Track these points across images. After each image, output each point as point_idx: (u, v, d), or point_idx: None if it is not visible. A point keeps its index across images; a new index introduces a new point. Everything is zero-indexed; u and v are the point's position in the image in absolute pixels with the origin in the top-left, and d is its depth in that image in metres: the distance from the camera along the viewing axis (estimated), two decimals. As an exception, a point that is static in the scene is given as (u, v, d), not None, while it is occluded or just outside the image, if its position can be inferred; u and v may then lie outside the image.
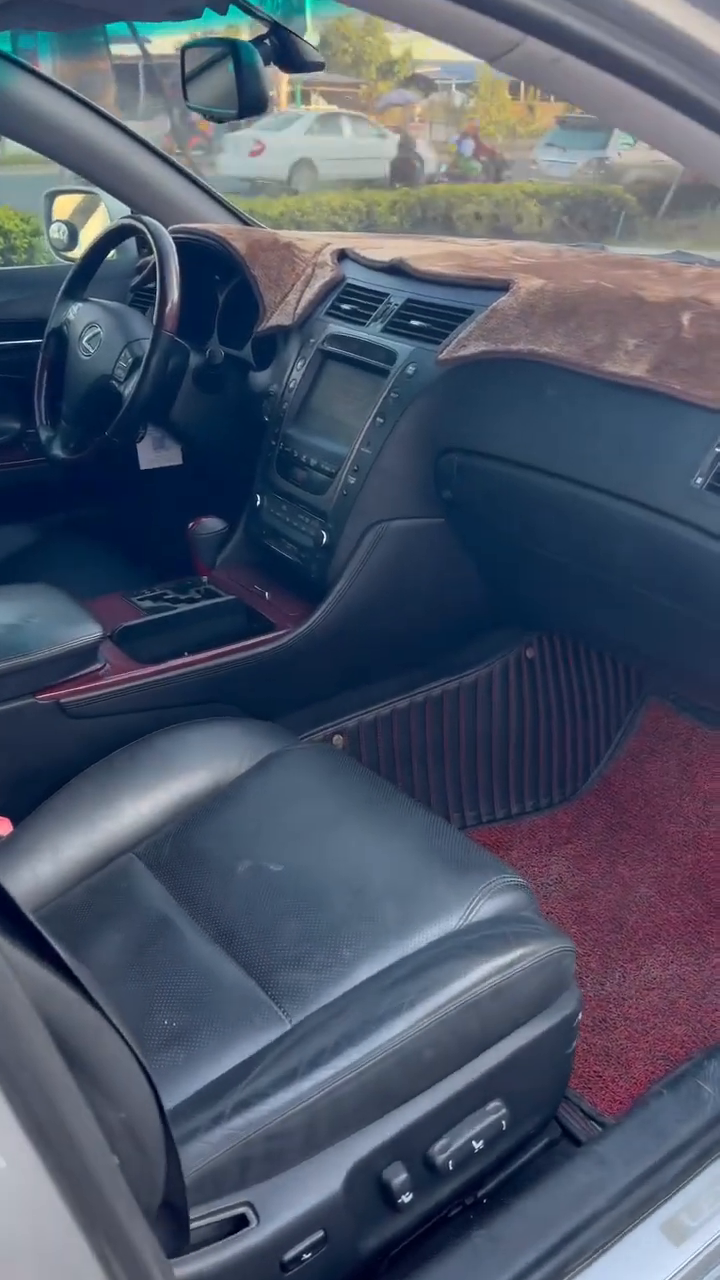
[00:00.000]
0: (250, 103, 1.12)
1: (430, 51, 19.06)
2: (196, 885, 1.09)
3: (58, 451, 1.69)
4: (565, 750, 1.65)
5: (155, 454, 1.84)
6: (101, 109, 1.76)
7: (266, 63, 1.16)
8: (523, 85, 19.30)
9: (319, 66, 1.19)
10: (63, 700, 1.23)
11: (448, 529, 1.41)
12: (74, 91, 1.71)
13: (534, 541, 1.30)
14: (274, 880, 1.08)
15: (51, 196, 2.15)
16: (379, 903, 1.03)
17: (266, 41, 1.17)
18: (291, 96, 18.59)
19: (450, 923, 1.01)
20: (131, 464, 1.80)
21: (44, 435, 1.72)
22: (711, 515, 1.04)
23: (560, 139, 12.98)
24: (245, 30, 1.24)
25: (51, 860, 1.15)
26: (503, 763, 1.60)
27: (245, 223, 1.96)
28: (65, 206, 2.17)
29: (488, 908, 1.02)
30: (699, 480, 1.05)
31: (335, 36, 18.33)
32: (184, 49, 1.28)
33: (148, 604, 1.45)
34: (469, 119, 16.35)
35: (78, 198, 2.13)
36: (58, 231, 2.12)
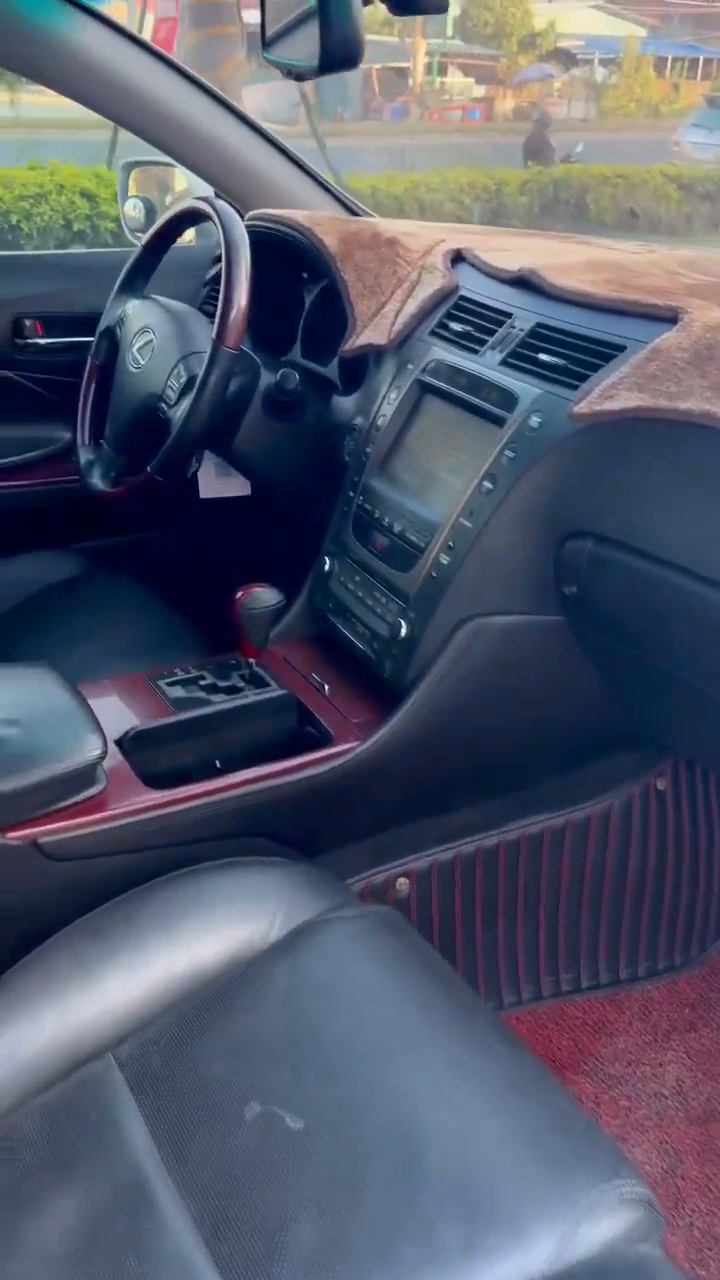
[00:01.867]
0: (336, 51, 0.79)
1: (575, 24, 18.33)
2: (187, 1129, 0.79)
3: (96, 480, 1.40)
4: (695, 903, 1.30)
5: (218, 481, 1.54)
6: (178, 64, 1.45)
7: (368, 1, 0.83)
8: (669, 61, 18.41)
9: (441, 8, 0.86)
10: (42, 840, 0.94)
11: (567, 631, 1.07)
12: (152, 45, 1.41)
13: (691, 671, 0.96)
14: (291, 1143, 0.77)
15: (129, 168, 1.86)
16: (435, 1209, 0.72)
17: (371, -30, 0.83)
18: (428, 69, 18.09)
19: (534, 1261, 0.69)
20: (190, 488, 1.50)
21: (84, 458, 1.44)
22: None
23: (708, 119, 12.27)
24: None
25: (3, 1057, 0.87)
26: (614, 916, 1.26)
27: (350, 210, 1.63)
28: (144, 181, 1.88)
29: (592, 1237, 0.70)
30: None
31: (476, 6, 17.77)
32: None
33: (178, 693, 1.15)
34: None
35: (157, 171, 1.84)
36: (133, 208, 1.83)
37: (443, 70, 18.24)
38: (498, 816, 1.19)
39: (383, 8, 0.84)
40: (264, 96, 8.51)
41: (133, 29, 1.45)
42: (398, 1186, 0.73)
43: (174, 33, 7.77)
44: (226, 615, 1.17)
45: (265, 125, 1.57)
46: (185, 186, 1.74)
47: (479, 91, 17.99)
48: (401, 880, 1.16)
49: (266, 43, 1.00)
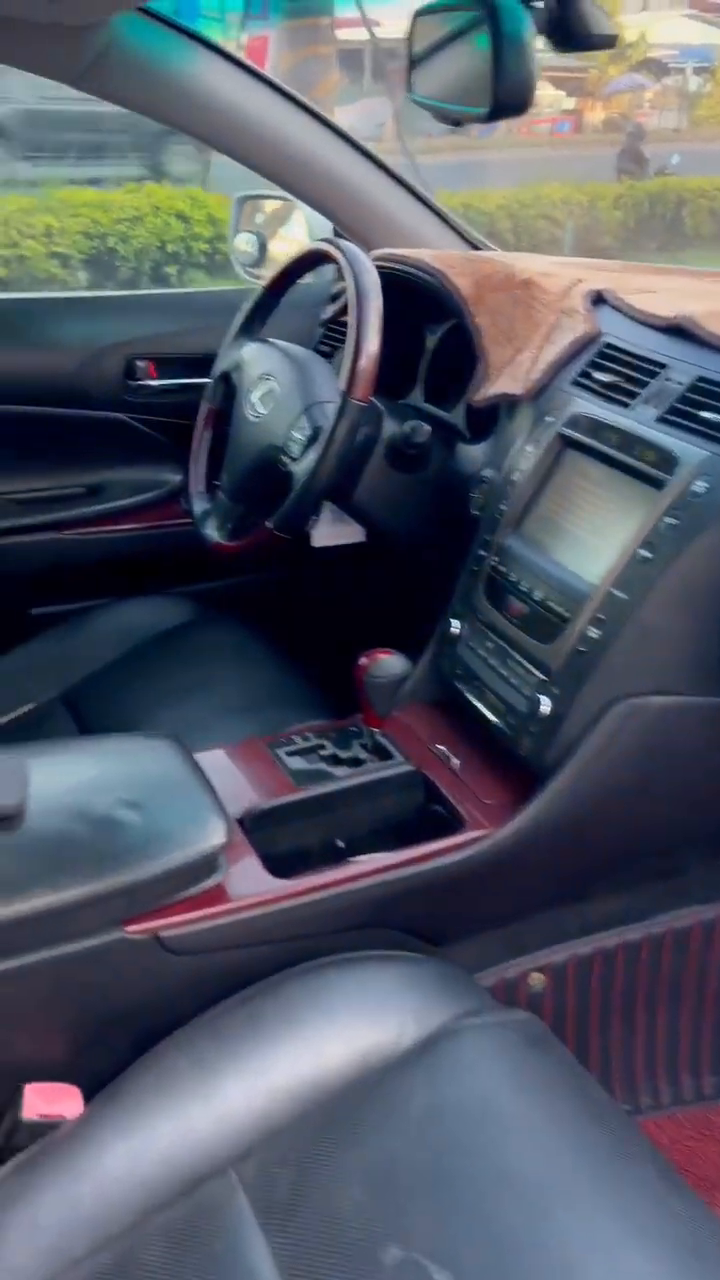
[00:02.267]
0: (510, 97, 0.72)
1: (667, 34, 18.01)
2: (320, 1274, 0.72)
3: (211, 532, 1.35)
4: None
5: (333, 529, 1.47)
6: (298, 96, 1.40)
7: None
8: (769, 70, 17.95)
9: (610, 43, 0.78)
10: (163, 934, 0.88)
11: None
12: (265, 75, 1.36)
13: None
14: (437, 1300, 0.70)
15: (242, 201, 1.82)
16: None
17: (532, 6, 0.76)
18: (516, 82, 17.94)
19: None
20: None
21: (198, 507, 1.39)
22: None
23: None
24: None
25: (121, 1169, 0.81)
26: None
27: (473, 245, 1.56)
28: (257, 215, 1.84)
29: None
30: None
31: (568, 19, 17.58)
32: (417, 15, 0.88)
33: (298, 764, 1.09)
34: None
35: (271, 205, 1.79)
36: (245, 243, 1.79)
37: (532, 84, 18.07)
38: (643, 907, 1.10)
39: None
40: (354, 115, 8.51)
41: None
42: None
43: (264, 54, 7.82)
44: (342, 672, 1.10)
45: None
46: (300, 221, 1.69)
47: (569, 104, 17.79)
48: (536, 975, 1.07)
49: (412, 76, 0.93)
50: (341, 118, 1.65)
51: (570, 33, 0.79)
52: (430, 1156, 0.78)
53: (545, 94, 18.22)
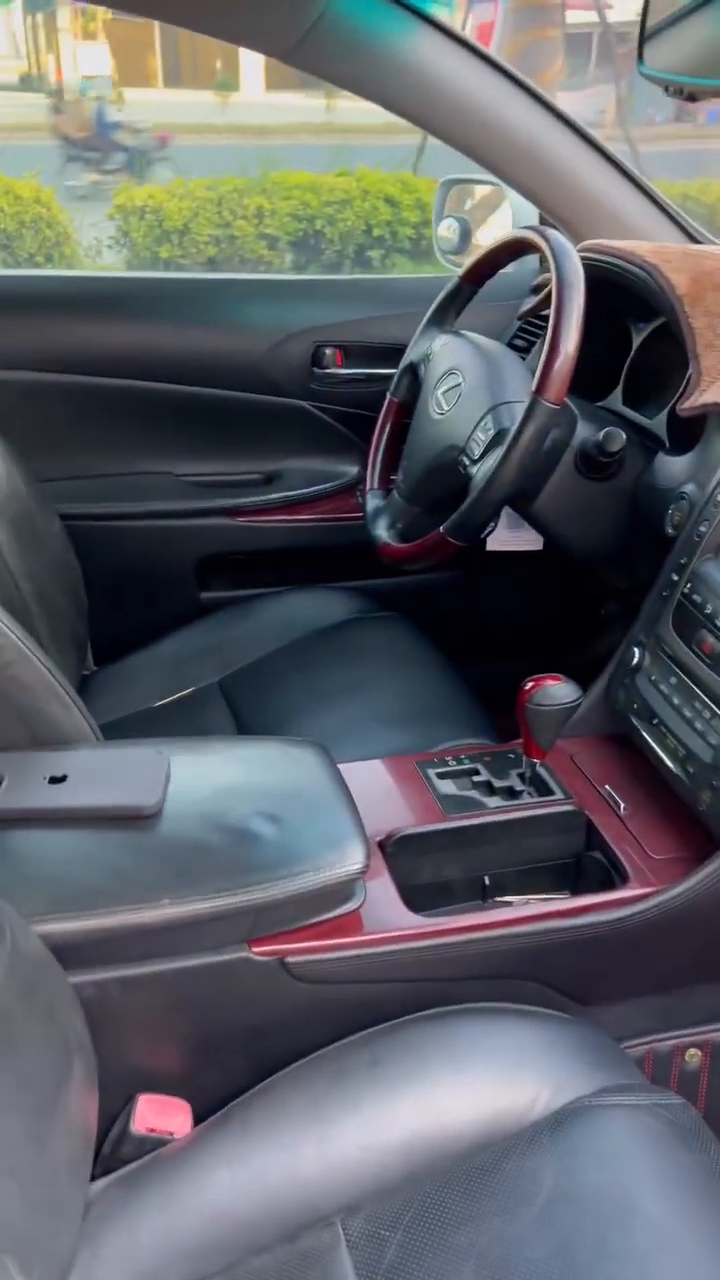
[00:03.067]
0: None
1: None
2: None
3: (381, 532, 1.30)
4: None
5: (510, 534, 1.39)
6: (519, 75, 1.31)
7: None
8: None
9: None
10: (289, 959, 0.83)
11: None
12: (484, 50, 1.27)
13: None
14: None
15: (449, 185, 1.74)
16: None
17: None
18: None
19: None
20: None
21: (371, 504, 1.34)
22: None
23: None
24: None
25: (224, 1202, 0.77)
26: None
27: (695, 241, 1.43)
28: (463, 200, 1.76)
29: None
30: None
31: None
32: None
33: (448, 789, 1.02)
34: None
35: (479, 190, 1.71)
36: (448, 229, 1.72)
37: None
38: None
39: None
40: (580, 101, 8.25)
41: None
42: None
43: (490, 37, 7.68)
44: (507, 690, 1.02)
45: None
46: (507, 209, 1.60)
47: None
48: (694, 1051, 0.97)
49: (644, 49, 0.83)
50: (566, 103, 1.55)
51: None
52: (553, 1248, 0.71)
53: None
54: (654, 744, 0.99)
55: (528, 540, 1.37)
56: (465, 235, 1.70)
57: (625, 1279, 0.68)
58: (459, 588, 1.65)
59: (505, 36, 7.14)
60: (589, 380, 1.31)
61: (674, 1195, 0.74)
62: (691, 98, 0.74)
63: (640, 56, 0.83)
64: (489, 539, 1.38)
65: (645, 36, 0.82)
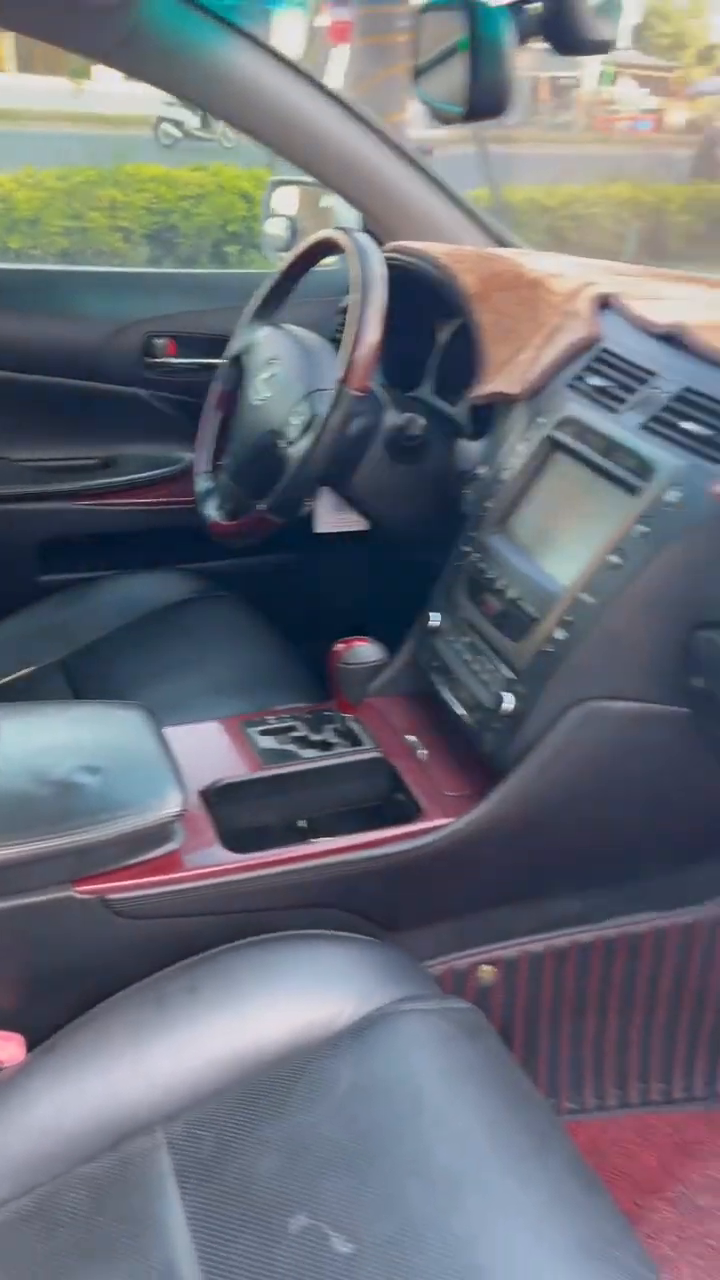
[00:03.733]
0: (484, 98, 0.73)
1: (758, 36, 17.66)
2: (230, 1232, 0.75)
3: (211, 511, 1.38)
4: None
5: (336, 516, 1.49)
6: (332, 89, 1.40)
7: (524, 40, 0.76)
8: None
9: (605, 48, 0.79)
10: (111, 897, 0.91)
11: (691, 724, 0.98)
12: (293, 60, 1.36)
13: None
14: (337, 1268, 0.72)
15: (275, 185, 1.83)
16: None
17: (526, 9, 0.77)
18: (600, 78, 17.75)
19: None
20: (308, 519, 1.46)
21: (201, 486, 1.41)
22: None
23: None
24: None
25: (50, 1120, 0.84)
26: (717, 1027, 1.16)
27: (500, 242, 1.56)
28: (291, 200, 1.85)
29: None
30: None
31: (655, 18, 17.36)
32: (422, 11, 0.89)
33: (268, 743, 1.11)
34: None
35: (304, 191, 1.81)
36: (276, 227, 1.81)
37: (615, 80, 17.87)
38: (599, 910, 1.10)
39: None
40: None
41: (303, 36, 1.41)
42: None
43: (347, 35, 7.79)
44: (327, 661, 1.12)
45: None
46: (330, 209, 1.70)
47: (651, 103, 17.55)
48: (486, 967, 1.09)
49: (418, 76, 0.94)
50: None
51: (566, 37, 0.79)
52: (349, 1134, 0.80)
53: (629, 92, 18.00)
54: (448, 696, 1.11)
55: (354, 522, 1.48)
56: (295, 234, 1.79)
57: (411, 1156, 0.78)
58: (292, 569, 1.74)
59: (355, 39, 7.27)
60: (404, 372, 1.42)
61: (456, 1084, 0.84)
62: (445, 121, 0.85)
63: (415, 81, 0.94)
64: (318, 521, 1.48)
65: (418, 69, 0.93)
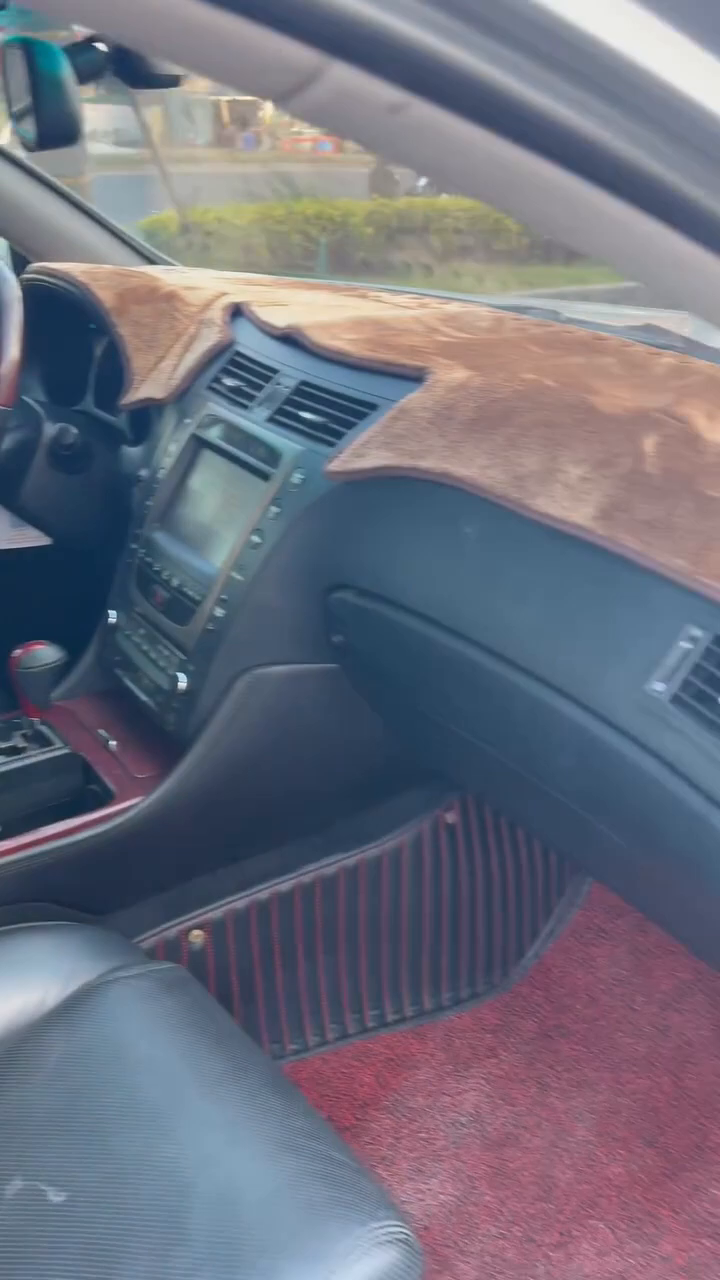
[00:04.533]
0: (54, 128, 0.81)
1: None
2: None
3: None
4: (493, 929, 1.34)
5: (13, 531, 1.51)
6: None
7: (95, 76, 0.84)
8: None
9: (174, 82, 0.88)
10: None
11: (342, 677, 1.10)
12: None
13: (448, 717, 0.99)
14: (52, 1217, 0.77)
15: None
16: (193, 1273, 0.73)
17: (98, 45, 0.85)
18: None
19: None
20: None
21: None
22: (673, 741, 0.74)
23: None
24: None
25: None
26: (414, 949, 1.29)
27: (148, 260, 1.64)
28: None
29: (353, 1276, 0.72)
30: (659, 686, 0.75)
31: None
32: (5, 46, 0.96)
33: (-43, 757, 1.13)
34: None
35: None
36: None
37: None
38: (292, 860, 1.20)
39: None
40: (111, 116, 8.41)
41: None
42: (157, 1254, 0.73)
43: None
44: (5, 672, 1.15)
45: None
46: None
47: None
48: (196, 933, 1.16)
49: (14, 115, 1.00)
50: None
51: (136, 72, 0.88)
52: (62, 1100, 0.85)
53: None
54: (133, 686, 1.17)
55: (32, 537, 1.51)
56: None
57: (120, 1103, 0.84)
58: None
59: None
60: (66, 387, 1.47)
61: (159, 1034, 0.91)
62: (29, 149, 0.92)
63: (9, 109, 1.00)
64: (-3, 540, 1.49)
65: (15, 116, 0.99)
